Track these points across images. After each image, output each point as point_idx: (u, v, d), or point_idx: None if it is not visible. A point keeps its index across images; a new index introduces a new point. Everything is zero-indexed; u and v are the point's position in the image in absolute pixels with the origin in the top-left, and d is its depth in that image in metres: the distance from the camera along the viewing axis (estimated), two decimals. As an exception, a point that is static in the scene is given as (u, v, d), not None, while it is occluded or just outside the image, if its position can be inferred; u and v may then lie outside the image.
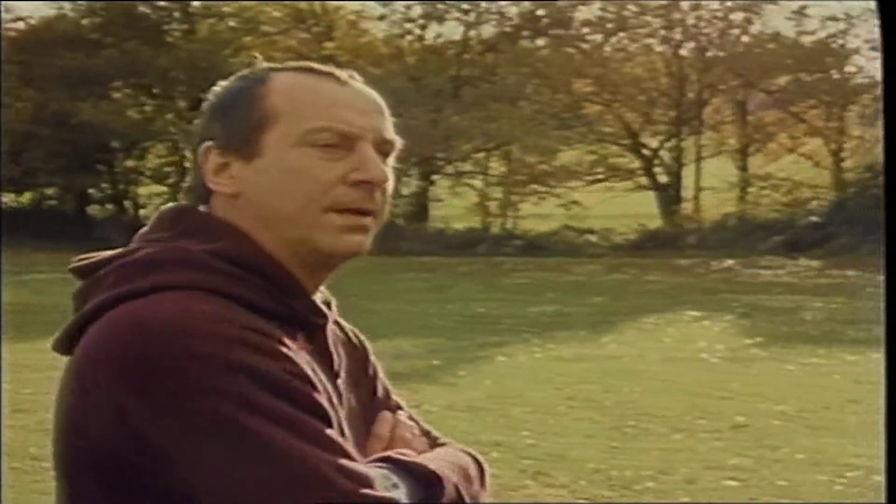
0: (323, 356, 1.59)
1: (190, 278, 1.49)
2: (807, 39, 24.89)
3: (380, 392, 1.75)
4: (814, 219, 21.73)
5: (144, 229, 1.61)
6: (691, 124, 25.45)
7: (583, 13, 24.95)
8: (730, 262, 19.72)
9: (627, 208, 24.58)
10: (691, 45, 25.45)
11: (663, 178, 25.06)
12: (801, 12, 24.64)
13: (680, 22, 25.17)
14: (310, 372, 1.48)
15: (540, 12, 24.28)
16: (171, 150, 25.24)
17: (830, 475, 6.57)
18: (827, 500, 6.15)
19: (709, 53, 25.36)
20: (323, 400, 1.47)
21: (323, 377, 1.55)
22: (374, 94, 1.63)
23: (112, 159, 24.89)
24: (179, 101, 25.47)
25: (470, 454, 1.70)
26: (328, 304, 1.68)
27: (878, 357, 10.96)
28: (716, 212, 24.30)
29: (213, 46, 24.51)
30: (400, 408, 1.75)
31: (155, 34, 24.63)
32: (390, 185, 1.60)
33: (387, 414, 1.70)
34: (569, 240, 23.04)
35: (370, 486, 1.42)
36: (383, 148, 1.59)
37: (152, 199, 25.24)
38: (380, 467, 1.51)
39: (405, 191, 25.14)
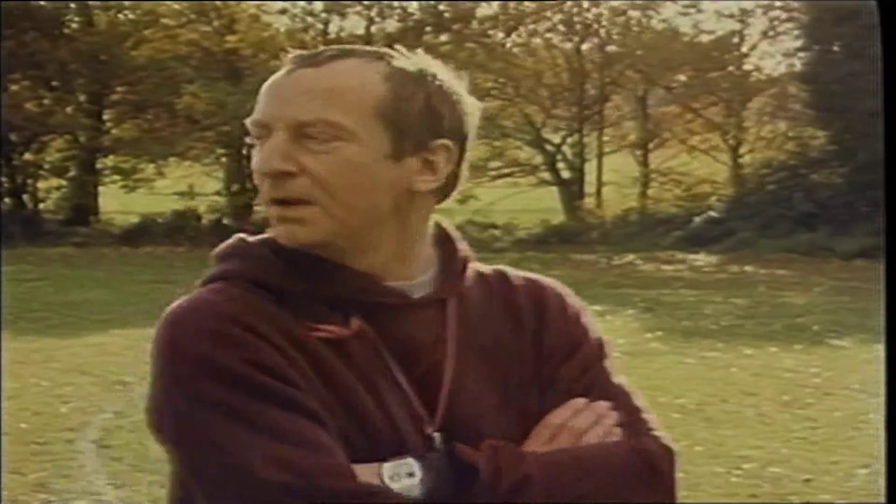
0: (390, 338, 1.59)
1: (232, 269, 1.61)
2: (705, 37, 25.28)
3: (563, 370, 1.67)
4: (713, 214, 22.06)
5: None
6: (593, 120, 25.68)
7: (484, 9, 25.03)
8: (631, 256, 19.94)
9: (531, 203, 24.73)
10: (592, 41, 25.68)
11: (566, 174, 25.26)
12: (696, 8, 24.99)
13: (580, 18, 25.36)
14: (300, 361, 1.52)
15: (442, 7, 24.31)
16: (70, 143, 24.83)
17: (727, 467, 6.69)
18: (722, 492, 6.27)
19: (609, 49, 25.61)
20: (294, 390, 1.50)
21: (366, 361, 1.57)
22: (314, 76, 1.58)
23: (10, 153, 24.39)
24: (79, 95, 25.06)
25: (640, 450, 1.62)
26: (448, 279, 1.66)
27: (774, 350, 11.19)
28: (618, 207, 24.55)
29: (113, 39, 24.14)
30: (606, 388, 1.67)
31: (53, 26, 24.21)
32: (323, 168, 1.55)
33: (575, 402, 1.64)
34: (473, 235, 23.11)
35: (303, 475, 1.46)
36: (303, 131, 1.56)
37: (51, 193, 24.83)
38: (416, 457, 1.54)
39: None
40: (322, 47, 1.68)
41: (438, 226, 1.72)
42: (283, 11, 25.29)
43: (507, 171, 25.35)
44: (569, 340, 1.68)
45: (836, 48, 20.26)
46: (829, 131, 20.88)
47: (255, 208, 24.48)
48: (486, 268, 1.74)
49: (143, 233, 23.03)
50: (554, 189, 25.40)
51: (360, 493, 1.48)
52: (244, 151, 24.73)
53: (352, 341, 1.57)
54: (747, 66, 25.71)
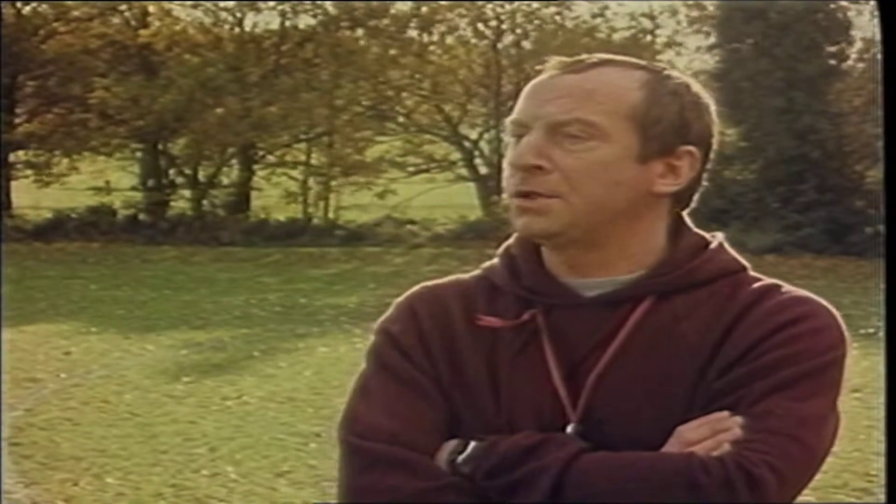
0: (557, 332, 1.69)
1: (487, 264, 1.82)
2: (618, 35, 25.51)
3: (717, 383, 1.63)
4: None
5: None
6: (510, 116, 25.76)
7: (399, 6, 25.05)
8: (546, 252, 20.04)
9: (448, 199, 24.79)
10: (507, 38, 25.79)
11: (483, 170, 25.35)
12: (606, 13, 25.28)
13: (494, 14, 25.44)
14: (434, 342, 1.72)
15: (356, 3, 24.26)
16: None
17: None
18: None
19: (524, 45, 25.73)
20: (410, 365, 1.72)
21: (538, 351, 1.68)
22: (574, 81, 1.69)
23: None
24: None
25: (694, 464, 1.57)
26: (640, 285, 1.70)
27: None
28: (534, 203, 24.62)
29: (22, 33, 23.77)
30: (753, 407, 1.60)
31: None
32: (574, 165, 1.65)
33: (712, 415, 1.61)
34: (390, 230, 23.12)
35: (367, 438, 1.69)
36: (560, 130, 1.66)
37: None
38: (481, 439, 1.65)
39: (225, 181, 24.88)
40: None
41: (696, 237, 1.78)
42: (197, 6, 25.08)
43: (424, 167, 25.40)
44: (737, 356, 1.64)
45: (745, 46, 20.57)
46: (740, 128, 21.19)
47: (171, 203, 24.33)
48: (759, 280, 1.75)
49: (55, 228, 22.73)
50: (471, 185, 25.49)
51: (399, 461, 1.66)
52: (159, 146, 24.56)
53: (509, 332, 1.71)
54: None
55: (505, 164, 1.72)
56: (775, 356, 1.62)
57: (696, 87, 1.76)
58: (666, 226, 1.75)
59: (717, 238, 1.79)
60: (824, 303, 1.70)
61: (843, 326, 1.69)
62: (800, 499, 1.64)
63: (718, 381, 1.62)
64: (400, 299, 1.81)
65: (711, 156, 1.76)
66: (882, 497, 5.99)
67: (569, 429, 1.65)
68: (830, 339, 1.66)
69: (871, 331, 11.29)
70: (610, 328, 1.67)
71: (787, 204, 19.51)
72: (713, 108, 1.76)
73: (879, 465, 6.39)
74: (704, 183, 1.77)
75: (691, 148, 1.71)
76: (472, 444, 1.65)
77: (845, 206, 19.52)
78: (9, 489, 6.51)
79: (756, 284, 1.72)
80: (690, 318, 1.67)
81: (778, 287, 1.71)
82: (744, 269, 1.76)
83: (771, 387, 1.60)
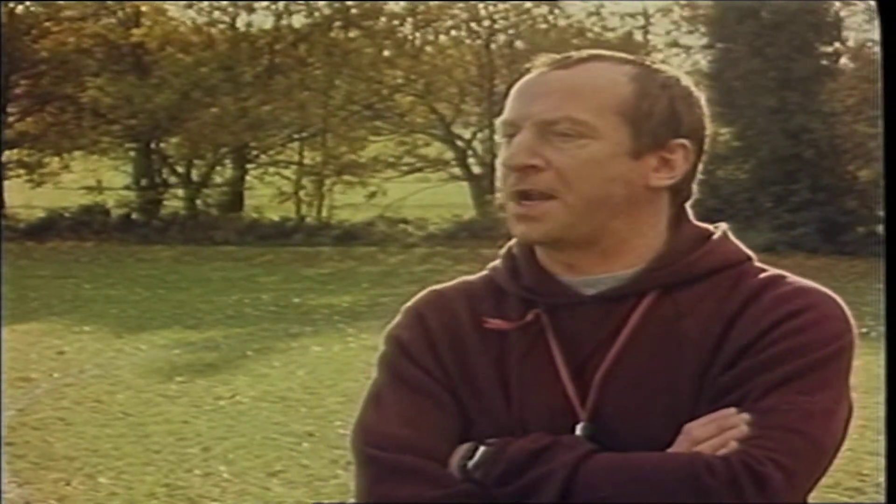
0: (561, 331, 1.68)
1: (492, 265, 1.81)
2: (610, 35, 25.50)
3: (722, 378, 1.61)
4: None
5: None
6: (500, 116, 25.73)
7: (392, 6, 25.04)
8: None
9: (441, 199, 24.78)
10: (499, 38, 25.80)
11: (477, 169, 25.35)
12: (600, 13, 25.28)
13: (487, 14, 25.46)
14: (442, 345, 1.72)
15: (349, 3, 24.25)
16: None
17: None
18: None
19: (517, 45, 25.74)
20: (420, 372, 1.71)
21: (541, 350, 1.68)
22: (562, 77, 1.66)
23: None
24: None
25: (698, 464, 1.55)
26: (640, 279, 1.68)
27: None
28: (529, 202, 24.61)
29: (15, 32, 23.71)
30: (759, 402, 1.58)
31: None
32: (567, 163, 1.63)
33: (720, 412, 1.59)
34: (384, 230, 23.11)
35: (381, 448, 1.66)
36: (550, 128, 1.64)
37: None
38: (490, 444, 1.64)
39: (218, 180, 24.86)
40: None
41: (697, 229, 1.75)
42: (190, 6, 25.04)
43: (418, 166, 25.39)
44: (741, 350, 1.62)
45: (738, 46, 20.58)
46: (733, 128, 21.21)
47: (165, 202, 24.30)
48: (763, 271, 1.71)
49: (48, 227, 22.71)
50: (464, 184, 25.48)
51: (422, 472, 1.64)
52: (152, 146, 24.53)
53: (516, 333, 1.70)
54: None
55: (498, 165, 1.70)
56: (778, 350, 1.60)
57: (686, 80, 1.74)
58: (667, 220, 1.72)
59: (720, 229, 1.75)
60: (828, 292, 1.67)
61: (849, 315, 1.66)
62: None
63: (723, 376, 1.61)
64: (408, 305, 1.80)
65: (705, 148, 1.74)
66: (876, 497, 6.00)
67: (578, 428, 1.64)
68: (834, 329, 1.64)
69: (864, 330, 11.32)
70: (613, 325, 1.66)
71: (781, 203, 19.52)
72: (704, 101, 1.74)
73: (872, 464, 6.39)
74: (701, 176, 1.76)
75: (684, 141, 1.69)
76: (482, 448, 1.64)
77: (838, 206, 19.53)
78: (1, 489, 6.50)
79: (759, 276, 1.69)
80: (693, 312, 1.65)
81: (782, 278, 1.69)
82: (748, 259, 1.73)
83: (775, 381, 1.58)
